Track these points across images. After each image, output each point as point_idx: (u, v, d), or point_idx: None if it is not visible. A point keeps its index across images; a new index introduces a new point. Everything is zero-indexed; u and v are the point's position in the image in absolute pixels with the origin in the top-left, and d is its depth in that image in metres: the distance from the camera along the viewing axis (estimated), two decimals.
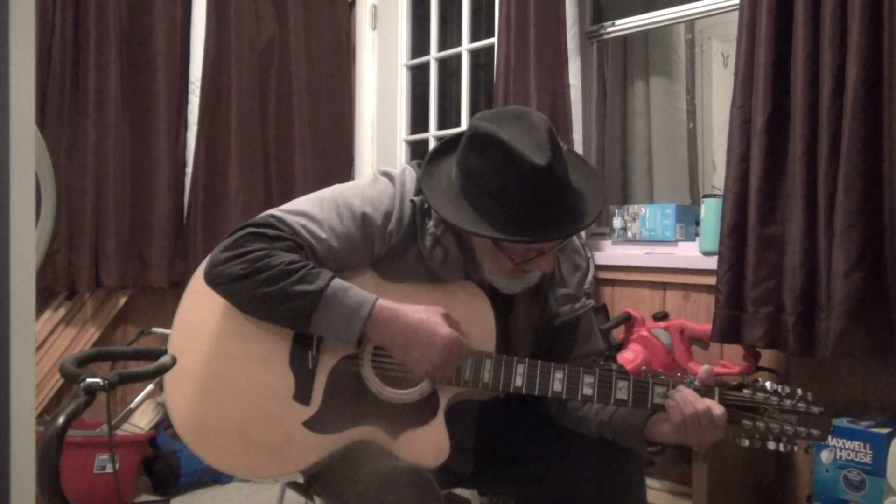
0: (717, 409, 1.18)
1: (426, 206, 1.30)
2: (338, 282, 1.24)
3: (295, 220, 1.29)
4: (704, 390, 1.22)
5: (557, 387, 1.24)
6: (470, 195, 1.23)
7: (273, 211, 1.32)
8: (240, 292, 1.27)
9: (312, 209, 1.31)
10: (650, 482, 2.03)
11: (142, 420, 2.69)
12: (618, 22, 2.65)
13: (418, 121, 3.42)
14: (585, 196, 1.26)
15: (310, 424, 1.28)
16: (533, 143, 1.18)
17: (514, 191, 1.19)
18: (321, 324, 1.24)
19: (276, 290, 1.23)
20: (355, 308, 1.23)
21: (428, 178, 1.29)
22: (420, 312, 1.25)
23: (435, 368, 1.24)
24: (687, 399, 1.18)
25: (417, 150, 3.39)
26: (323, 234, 1.29)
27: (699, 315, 2.27)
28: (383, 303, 1.25)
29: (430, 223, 1.30)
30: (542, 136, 1.19)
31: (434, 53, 3.30)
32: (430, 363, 1.23)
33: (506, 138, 1.18)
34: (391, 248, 1.32)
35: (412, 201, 1.32)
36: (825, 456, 1.80)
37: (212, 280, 1.29)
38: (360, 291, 1.25)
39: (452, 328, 1.25)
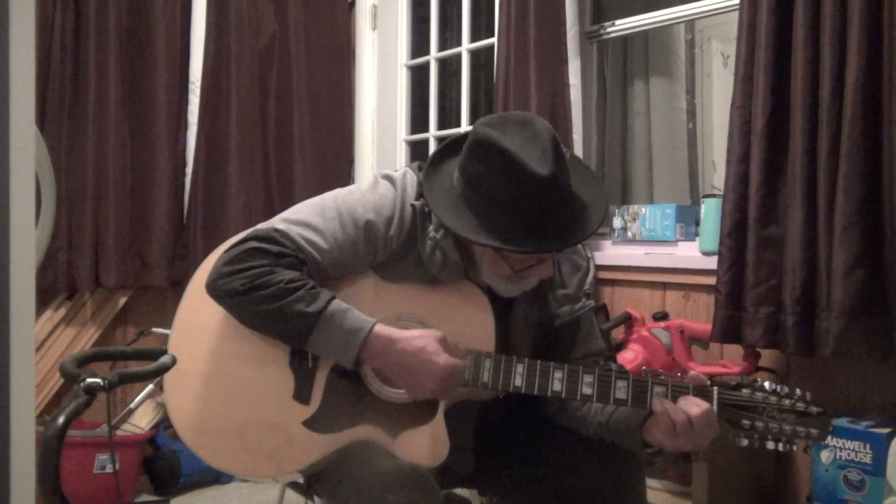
0: (709, 410, 1.18)
1: (427, 210, 1.30)
2: (336, 304, 1.24)
3: (298, 233, 1.29)
4: (700, 392, 1.22)
5: (557, 386, 1.24)
6: (471, 202, 1.23)
7: (276, 223, 1.31)
8: (239, 307, 1.27)
9: (315, 218, 1.31)
10: (650, 482, 2.03)
11: (142, 420, 2.70)
12: (618, 22, 2.65)
13: (418, 121, 3.41)
14: (587, 204, 1.26)
15: (310, 424, 1.29)
16: (536, 152, 1.18)
17: (517, 200, 1.18)
18: (318, 345, 1.25)
19: (275, 309, 1.23)
20: (351, 333, 1.23)
21: (429, 182, 1.29)
22: (417, 340, 1.24)
23: (432, 395, 1.25)
24: (677, 408, 1.18)
25: (417, 150, 3.39)
26: (325, 245, 1.29)
27: (699, 315, 2.27)
28: (380, 329, 1.24)
29: (431, 227, 1.30)
30: (546, 145, 1.19)
31: (434, 53, 3.30)
32: (428, 390, 1.24)
33: (509, 147, 1.18)
34: (392, 252, 1.32)
35: (412, 205, 1.32)
36: (825, 456, 1.80)
37: (213, 291, 1.29)
38: (357, 316, 1.25)
39: (449, 352, 1.24)
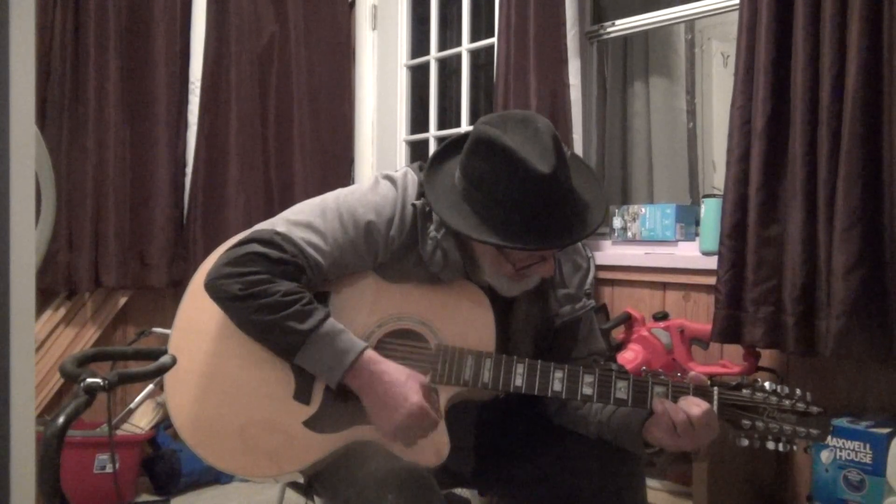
0: (709, 410, 1.18)
1: (427, 209, 1.30)
2: (328, 325, 1.24)
3: (300, 236, 1.28)
4: (700, 392, 1.22)
5: (557, 386, 1.24)
6: (473, 200, 1.23)
7: (278, 224, 1.31)
8: (234, 311, 1.28)
9: (316, 219, 1.31)
10: (650, 482, 2.03)
11: (142, 420, 2.70)
12: (618, 22, 2.65)
13: (418, 121, 3.41)
14: (588, 203, 1.26)
15: (310, 424, 1.29)
16: (538, 150, 1.18)
17: (518, 198, 1.18)
18: (305, 362, 1.25)
19: (268, 321, 1.23)
20: (340, 355, 1.23)
21: (431, 181, 1.29)
22: (400, 374, 1.24)
23: (396, 431, 1.23)
24: (677, 407, 1.18)
25: (417, 150, 3.39)
26: (327, 248, 1.29)
27: (699, 315, 2.27)
28: (368, 355, 1.25)
29: (432, 227, 1.30)
30: (547, 143, 1.19)
31: (434, 53, 3.30)
32: (393, 425, 1.23)
33: (510, 145, 1.18)
34: (393, 252, 1.32)
35: (413, 205, 1.32)
36: (825, 456, 1.80)
37: (211, 290, 1.29)
38: (349, 338, 1.25)
39: (427, 399, 1.24)
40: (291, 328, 1.22)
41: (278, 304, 1.23)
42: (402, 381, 1.23)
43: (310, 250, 1.28)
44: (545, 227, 1.20)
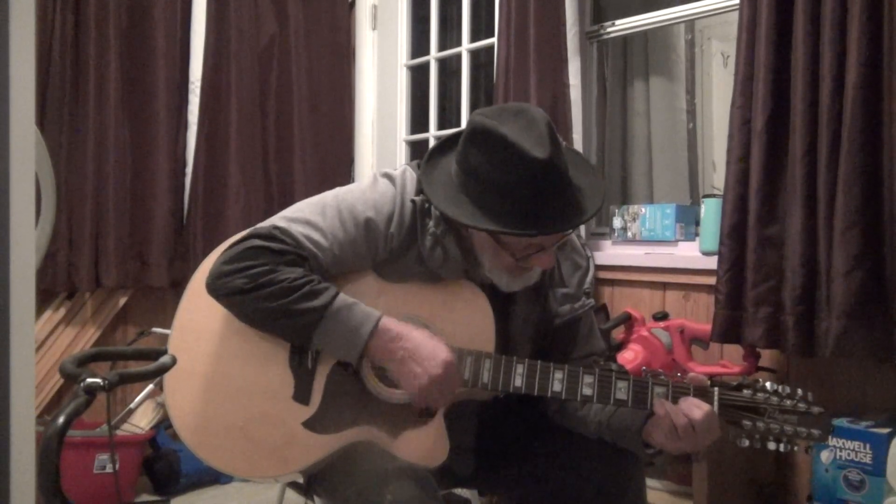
0: (711, 413, 1.18)
1: (427, 205, 1.30)
2: (341, 299, 1.24)
3: (299, 231, 1.28)
4: (700, 392, 1.22)
5: (557, 387, 1.24)
6: (470, 190, 1.23)
7: (277, 221, 1.31)
8: (241, 305, 1.27)
9: (315, 217, 1.30)
10: (650, 482, 2.03)
11: (142, 420, 2.69)
12: (618, 22, 2.65)
13: (418, 121, 3.41)
14: (585, 191, 1.26)
15: (309, 424, 1.28)
16: (533, 138, 1.18)
17: (515, 184, 1.18)
18: (322, 340, 1.25)
19: (279, 306, 1.23)
20: (357, 326, 1.23)
21: (428, 175, 1.29)
22: (423, 331, 1.25)
23: (431, 382, 1.22)
24: (678, 410, 1.18)
25: (417, 150, 3.39)
26: (326, 244, 1.29)
27: (699, 315, 2.27)
28: (387, 322, 1.24)
29: (431, 223, 1.30)
30: (542, 131, 1.19)
31: (434, 53, 3.30)
32: (429, 376, 1.22)
33: (506, 133, 1.18)
34: (392, 250, 1.32)
35: (412, 201, 1.31)
36: (825, 456, 1.80)
37: (213, 291, 1.29)
38: (363, 309, 1.25)
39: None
40: (304, 308, 1.22)
41: (287, 290, 1.22)
42: (429, 337, 1.24)
43: (309, 245, 1.28)
44: (542, 213, 1.20)
